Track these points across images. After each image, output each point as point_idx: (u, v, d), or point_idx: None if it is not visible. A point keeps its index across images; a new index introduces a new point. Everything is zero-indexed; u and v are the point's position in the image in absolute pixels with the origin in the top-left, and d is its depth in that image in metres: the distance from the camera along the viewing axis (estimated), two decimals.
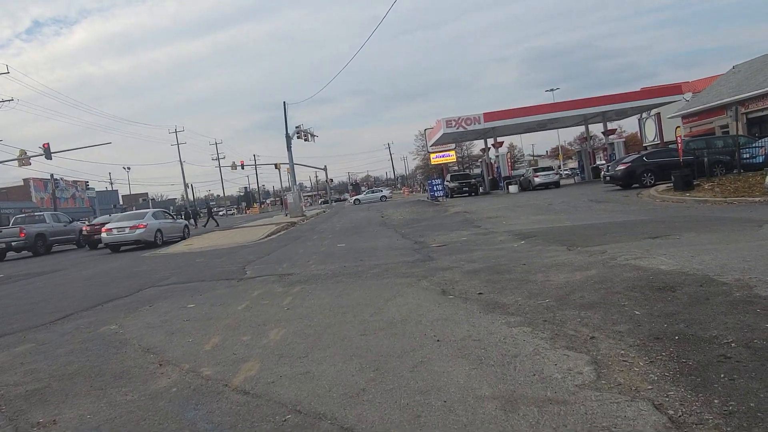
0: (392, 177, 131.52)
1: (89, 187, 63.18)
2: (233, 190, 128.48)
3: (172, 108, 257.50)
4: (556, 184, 32.51)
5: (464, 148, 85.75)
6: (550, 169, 34.69)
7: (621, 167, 20.86)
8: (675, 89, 33.26)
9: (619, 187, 22.14)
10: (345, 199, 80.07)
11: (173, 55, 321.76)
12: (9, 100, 42.94)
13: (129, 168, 73.96)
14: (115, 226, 20.77)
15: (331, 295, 6.77)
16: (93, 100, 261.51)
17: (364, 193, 64.31)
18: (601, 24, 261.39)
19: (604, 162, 41.22)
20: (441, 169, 61.73)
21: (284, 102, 32.23)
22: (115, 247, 20.73)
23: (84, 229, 23.96)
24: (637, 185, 21.06)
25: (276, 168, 47.54)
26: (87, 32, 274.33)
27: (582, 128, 77.75)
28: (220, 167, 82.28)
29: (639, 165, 20.89)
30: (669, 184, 19.27)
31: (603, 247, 8.76)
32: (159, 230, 21.20)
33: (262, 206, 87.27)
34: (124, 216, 23.25)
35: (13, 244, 23.97)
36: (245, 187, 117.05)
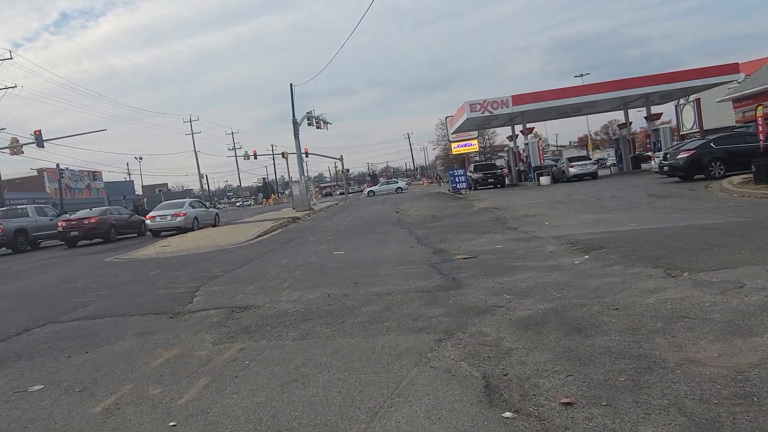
0: (412, 168, 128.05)
1: (96, 177, 61.10)
2: (252, 180, 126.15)
3: (194, 99, 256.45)
4: (593, 176, 28.93)
5: (486, 137, 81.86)
6: (586, 158, 30.98)
7: (683, 155, 17.36)
8: (731, 68, 29.21)
9: (677, 179, 18.63)
10: (360, 190, 77.02)
11: (196, 46, 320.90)
12: (13, 87, 41.10)
13: (141, 158, 71.95)
14: (158, 214, 22.41)
15: (277, 380, 3.69)
16: (118, 91, 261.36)
17: (379, 184, 61.08)
18: (627, 12, 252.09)
19: (642, 151, 37.40)
20: (462, 159, 58.19)
21: (291, 84, 29.17)
22: (156, 233, 22.16)
23: (60, 224, 21.24)
24: (702, 176, 17.54)
25: (284, 157, 44.46)
26: (112, 24, 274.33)
27: (612, 115, 73.28)
28: (236, 157, 79.88)
29: (706, 152, 17.32)
30: (745, 176, 15.83)
31: (730, 272, 5.57)
32: (196, 218, 23.02)
33: (278, 197, 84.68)
34: (164, 205, 24.17)
35: None
36: (263, 178, 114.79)
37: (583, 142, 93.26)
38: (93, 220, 20.87)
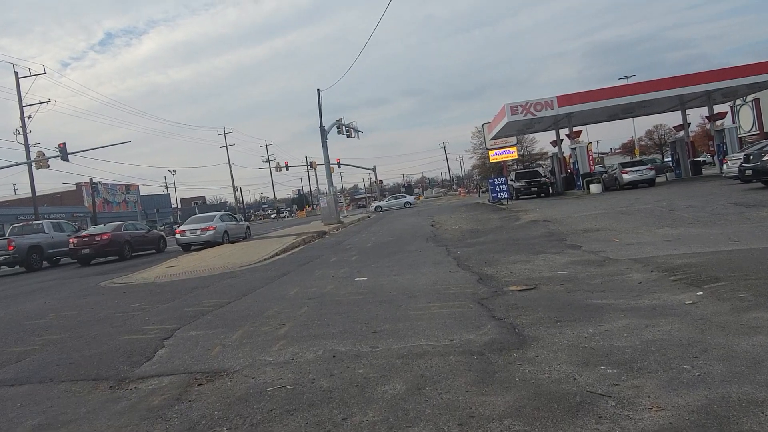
0: (448, 178, 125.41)
1: (129, 191, 61.05)
2: (287, 192, 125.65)
3: (232, 113, 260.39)
4: (650, 183, 26.13)
5: (524, 145, 78.70)
6: (642, 163, 28.08)
7: None
8: None
9: (762, 185, 15.95)
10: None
11: (234, 61, 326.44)
12: (47, 102, 41.06)
13: (175, 171, 72.09)
14: (188, 228, 21.92)
15: None
16: (159, 107, 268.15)
17: (387, 199, 57.86)
18: (669, 14, 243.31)
19: (708, 154, 34.15)
20: (500, 168, 55.48)
21: (318, 90, 27.48)
22: (186, 247, 21.53)
23: (71, 241, 19.93)
24: None
25: (312, 167, 42.78)
26: (154, 42, 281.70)
27: (658, 119, 68.97)
28: (270, 169, 79.19)
29: None
30: None
31: None
32: (226, 231, 22.39)
33: (312, 209, 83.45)
34: (194, 219, 23.57)
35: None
36: (298, 190, 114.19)
37: (627, 148, 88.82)
38: (105, 237, 19.47)
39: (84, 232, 20.96)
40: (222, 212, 26.03)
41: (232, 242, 22.04)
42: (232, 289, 9.11)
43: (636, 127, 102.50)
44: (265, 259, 13.44)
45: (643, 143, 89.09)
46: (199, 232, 21.57)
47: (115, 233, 20.00)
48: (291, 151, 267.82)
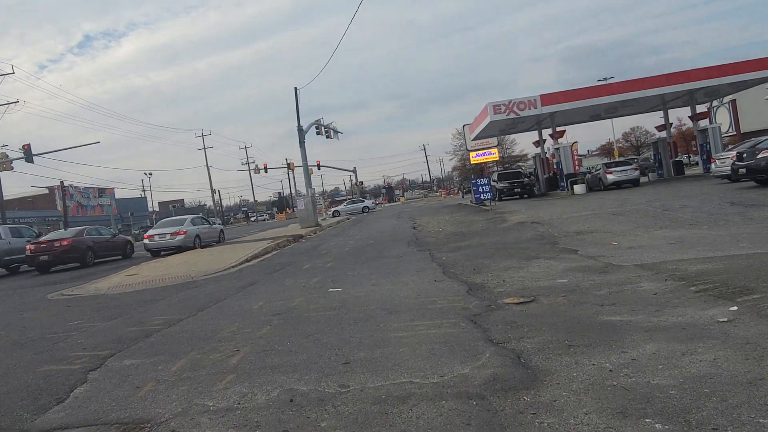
0: (428, 179, 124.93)
1: (102, 194, 58.96)
2: (268, 195, 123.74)
3: (214, 116, 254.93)
4: (634, 183, 25.54)
5: (504, 147, 78.32)
6: (627, 163, 27.49)
7: (766, 154, 14.11)
8: None
9: (755, 183, 15.34)
10: (378, 203, 73.01)
11: (216, 64, 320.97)
12: (15, 102, 39.44)
13: (151, 174, 70.04)
14: (157, 233, 20.76)
15: None
16: (139, 110, 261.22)
17: (345, 203, 57.72)
18: (645, 19, 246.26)
19: (684, 155, 33.81)
20: (481, 169, 54.87)
21: (295, 88, 26.33)
22: (155, 252, 20.44)
23: (27, 247, 18.50)
24: None
25: (290, 168, 41.46)
26: (134, 45, 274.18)
27: (635, 122, 69.19)
28: (249, 172, 77.55)
29: None
30: None
31: None
32: (198, 236, 21.23)
33: (292, 212, 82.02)
34: (164, 223, 22.54)
35: None
36: (279, 192, 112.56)
37: (605, 150, 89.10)
38: (65, 243, 18.06)
39: (42, 238, 19.51)
40: (194, 215, 24.84)
41: (204, 247, 20.87)
42: (188, 303, 8.03)
43: (615, 129, 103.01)
44: (233, 267, 12.34)
45: (620, 145, 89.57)
46: (168, 236, 20.34)
47: (75, 239, 18.61)
48: (273, 154, 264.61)
